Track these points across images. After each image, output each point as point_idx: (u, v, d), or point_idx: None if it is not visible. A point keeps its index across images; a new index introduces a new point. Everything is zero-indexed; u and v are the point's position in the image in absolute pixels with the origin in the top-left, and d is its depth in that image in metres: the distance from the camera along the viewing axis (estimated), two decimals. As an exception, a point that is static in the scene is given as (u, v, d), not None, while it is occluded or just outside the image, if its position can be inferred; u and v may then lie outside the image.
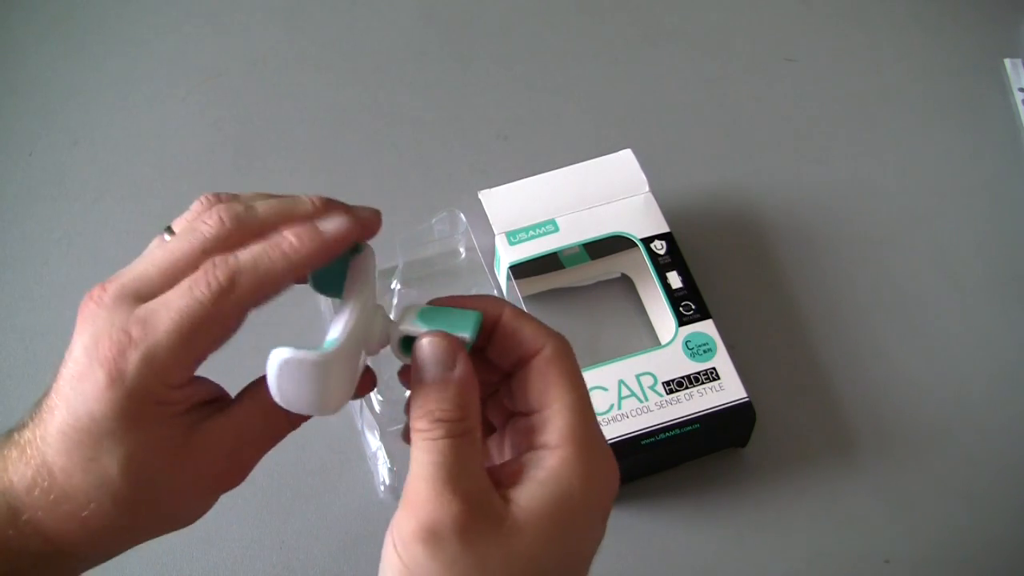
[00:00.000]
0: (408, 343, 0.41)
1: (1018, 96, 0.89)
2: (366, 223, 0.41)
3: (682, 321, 0.70)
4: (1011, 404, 0.74)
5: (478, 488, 0.38)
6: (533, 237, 0.73)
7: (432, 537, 0.37)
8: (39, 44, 0.90)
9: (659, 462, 0.69)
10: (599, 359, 0.68)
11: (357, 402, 0.67)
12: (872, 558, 0.67)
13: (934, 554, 0.67)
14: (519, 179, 0.76)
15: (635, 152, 0.77)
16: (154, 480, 0.39)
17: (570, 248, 0.74)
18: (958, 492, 0.70)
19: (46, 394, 0.40)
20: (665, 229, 0.74)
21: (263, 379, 0.40)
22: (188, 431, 0.40)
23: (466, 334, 0.40)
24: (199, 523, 0.66)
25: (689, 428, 0.67)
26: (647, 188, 0.76)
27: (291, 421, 0.43)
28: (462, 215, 0.74)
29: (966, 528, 0.68)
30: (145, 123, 0.86)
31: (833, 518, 0.69)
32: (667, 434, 0.66)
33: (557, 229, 0.73)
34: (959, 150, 0.87)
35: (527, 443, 0.41)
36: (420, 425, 0.39)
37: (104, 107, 0.87)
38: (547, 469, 0.39)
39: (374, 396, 0.67)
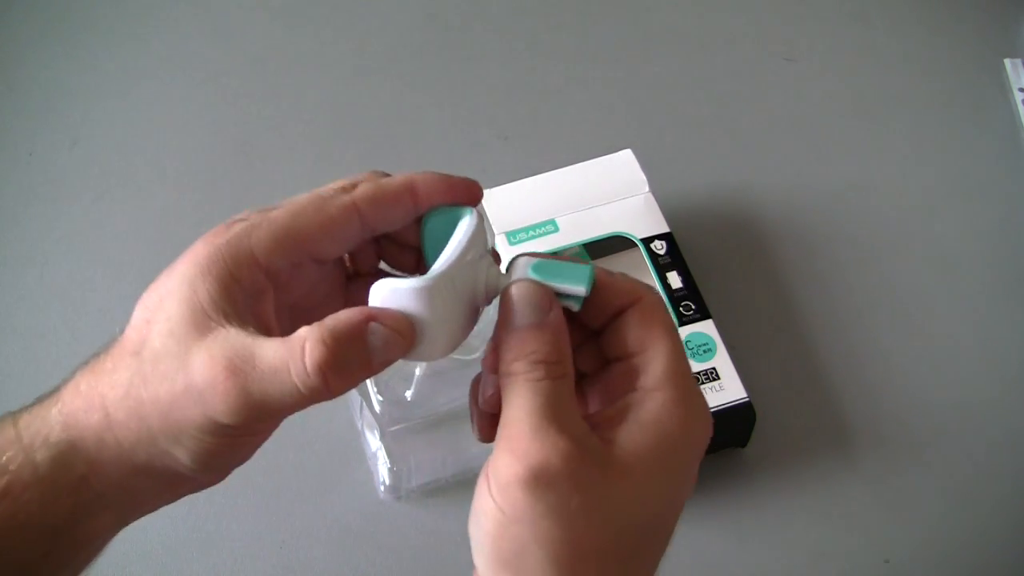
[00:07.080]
0: None
1: (1018, 96, 0.89)
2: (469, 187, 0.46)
3: (682, 321, 0.70)
4: (1011, 404, 0.74)
5: (581, 430, 0.38)
6: (533, 237, 0.73)
7: (537, 480, 0.36)
8: (39, 44, 0.90)
9: (659, 462, 0.68)
10: (599, 359, 0.68)
11: (357, 402, 0.67)
12: (872, 558, 0.67)
13: (934, 554, 0.67)
14: (519, 179, 0.76)
15: (635, 152, 0.77)
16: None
17: (570, 248, 0.74)
18: (958, 492, 0.70)
19: (113, 349, 0.41)
20: (665, 229, 0.74)
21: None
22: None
23: (582, 287, 0.40)
24: (199, 523, 0.67)
25: (689, 428, 0.66)
26: (647, 188, 0.76)
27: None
28: (462, 215, 0.74)
29: (966, 528, 0.68)
30: (145, 123, 0.86)
31: (833, 518, 0.68)
32: (667, 434, 0.66)
33: (557, 229, 0.73)
34: (959, 150, 0.87)
35: (622, 387, 0.40)
36: (518, 368, 0.38)
37: (104, 107, 0.87)
38: (649, 411, 0.39)
39: (374, 396, 0.67)
